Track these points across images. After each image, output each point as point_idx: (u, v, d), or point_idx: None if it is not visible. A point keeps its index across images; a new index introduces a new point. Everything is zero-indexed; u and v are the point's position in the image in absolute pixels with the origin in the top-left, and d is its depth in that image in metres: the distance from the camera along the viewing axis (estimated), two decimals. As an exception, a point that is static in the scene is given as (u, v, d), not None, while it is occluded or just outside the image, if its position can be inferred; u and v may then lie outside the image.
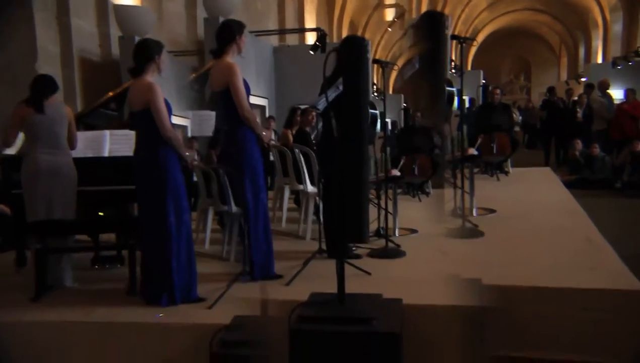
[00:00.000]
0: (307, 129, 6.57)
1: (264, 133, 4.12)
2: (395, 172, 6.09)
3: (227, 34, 4.09)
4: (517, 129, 13.79)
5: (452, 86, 6.14)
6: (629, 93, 10.63)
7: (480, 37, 37.27)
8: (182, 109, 9.10)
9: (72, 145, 4.50)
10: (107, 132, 5.06)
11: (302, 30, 16.30)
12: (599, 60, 23.01)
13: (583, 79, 15.36)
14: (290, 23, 16.49)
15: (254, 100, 9.81)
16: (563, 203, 6.42)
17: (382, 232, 5.10)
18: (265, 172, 4.44)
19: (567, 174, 9.83)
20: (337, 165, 3.28)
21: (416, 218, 5.97)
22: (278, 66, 11.38)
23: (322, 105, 4.25)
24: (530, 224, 5.42)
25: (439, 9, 27.11)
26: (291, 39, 15.68)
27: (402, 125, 10.11)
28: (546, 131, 12.66)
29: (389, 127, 10.26)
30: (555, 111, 12.18)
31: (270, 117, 9.86)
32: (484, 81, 13.19)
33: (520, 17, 34.69)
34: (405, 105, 11.72)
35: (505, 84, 40.77)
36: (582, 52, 30.13)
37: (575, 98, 12.00)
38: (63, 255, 4.32)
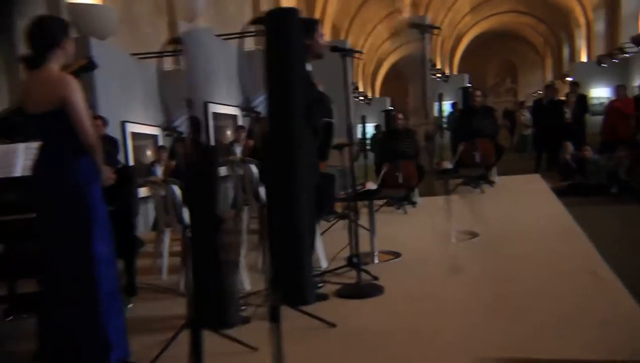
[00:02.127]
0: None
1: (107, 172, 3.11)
2: (371, 185, 5.33)
3: (47, 35, 2.93)
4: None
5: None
6: (619, 89, 9.98)
7: (465, 41, 36.88)
8: (150, 117, 8.34)
9: None
10: (20, 146, 4.12)
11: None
12: (584, 59, 22.80)
13: (569, 79, 14.79)
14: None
15: (225, 109, 9.11)
16: (555, 219, 5.66)
17: (354, 261, 4.28)
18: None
19: (558, 180, 9.10)
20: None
21: (400, 237, 5.32)
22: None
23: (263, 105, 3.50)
24: (514, 253, 4.58)
25: (421, 13, 26.63)
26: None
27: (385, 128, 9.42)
28: (537, 134, 11.85)
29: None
30: (540, 111, 11.41)
31: (240, 127, 8.95)
32: (469, 84, 12.60)
33: (504, 19, 34.42)
34: (391, 108, 10.95)
35: (492, 87, 40.40)
36: (566, 52, 29.97)
37: (563, 98, 11.28)
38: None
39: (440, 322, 3.17)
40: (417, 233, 5.76)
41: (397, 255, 4.87)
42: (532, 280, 3.79)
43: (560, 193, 7.41)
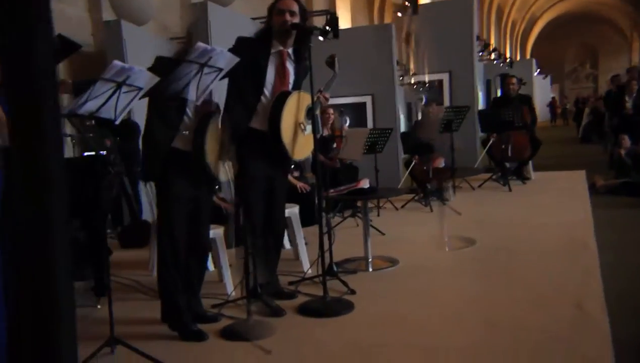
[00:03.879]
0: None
1: None
2: (365, 183, 4.86)
3: None
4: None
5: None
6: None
7: (540, 24, 34.94)
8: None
9: None
10: None
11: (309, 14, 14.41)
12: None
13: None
14: (319, 7, 14.93)
15: None
16: (572, 228, 4.89)
17: (335, 269, 3.85)
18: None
19: (612, 177, 8.20)
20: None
21: (412, 238, 4.86)
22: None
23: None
24: (503, 268, 3.97)
25: (487, -4, 25.36)
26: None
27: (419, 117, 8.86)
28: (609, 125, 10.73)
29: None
30: (609, 101, 10.38)
31: None
32: (538, 70, 11.65)
33: (584, 1, 32.25)
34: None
35: (569, 72, 38.17)
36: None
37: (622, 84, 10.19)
38: None
39: (394, 356, 2.68)
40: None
41: (394, 262, 4.30)
42: (508, 306, 3.16)
43: (612, 191, 6.61)
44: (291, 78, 3.44)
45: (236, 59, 2.91)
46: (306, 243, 4.60)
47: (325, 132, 6.58)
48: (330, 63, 3.57)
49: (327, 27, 8.12)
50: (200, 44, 2.67)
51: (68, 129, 6.68)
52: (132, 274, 4.31)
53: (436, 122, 6.42)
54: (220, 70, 2.87)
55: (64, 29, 7.40)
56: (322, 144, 6.80)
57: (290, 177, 5.27)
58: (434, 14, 9.08)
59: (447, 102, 8.72)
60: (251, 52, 3.26)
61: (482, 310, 3.14)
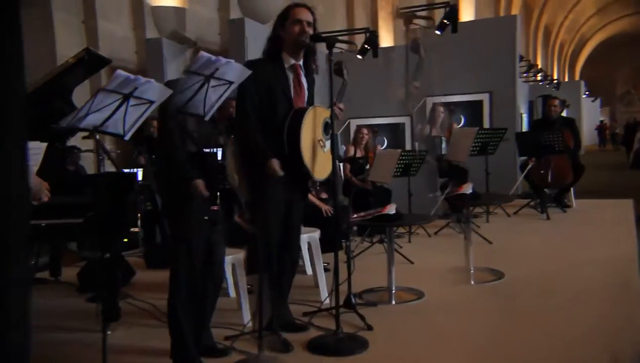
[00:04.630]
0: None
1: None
2: (391, 208, 4.55)
3: None
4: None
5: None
6: None
7: (590, 46, 34.00)
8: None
9: None
10: None
11: (349, 32, 14.03)
12: None
13: None
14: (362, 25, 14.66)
15: None
16: (613, 265, 4.45)
17: (353, 301, 3.59)
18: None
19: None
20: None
21: (441, 268, 4.59)
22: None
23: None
24: (531, 307, 3.62)
25: (534, 15, 24.79)
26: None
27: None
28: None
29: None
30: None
31: None
32: (587, 93, 11.19)
33: (638, 22, 31.22)
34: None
35: (621, 95, 36.94)
36: None
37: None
38: None
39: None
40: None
41: (419, 295, 4.01)
42: (532, 354, 2.85)
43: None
44: (306, 93, 3.23)
45: (247, 72, 2.71)
46: (327, 270, 4.39)
47: (359, 153, 6.38)
48: (338, 70, 3.31)
49: (366, 46, 7.81)
50: (204, 54, 2.47)
51: (108, 144, 6.69)
52: (151, 297, 4.09)
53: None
54: (230, 83, 2.68)
55: (105, 46, 7.50)
56: (353, 164, 6.60)
57: (314, 199, 5.07)
58: (475, 32, 8.81)
59: (486, 124, 8.42)
60: (267, 76, 3.06)
61: (502, 357, 2.85)
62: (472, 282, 4.17)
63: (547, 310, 3.51)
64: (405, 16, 7.61)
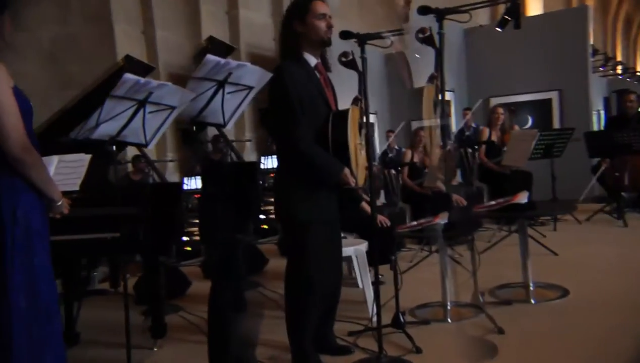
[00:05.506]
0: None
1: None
2: (522, 197, 3.72)
3: None
4: None
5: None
6: None
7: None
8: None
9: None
10: (54, 159, 3.79)
11: (488, 3, 12.86)
12: None
13: None
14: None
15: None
16: None
17: (402, 320, 3.34)
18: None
19: None
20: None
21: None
22: (470, 52, 9.27)
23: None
24: (608, 327, 3.24)
25: (613, 4, 23.45)
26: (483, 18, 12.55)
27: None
28: None
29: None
30: None
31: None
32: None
33: None
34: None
35: None
36: None
37: None
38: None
39: None
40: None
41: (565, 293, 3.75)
42: None
43: None
44: (333, 93, 2.99)
45: (268, 75, 2.54)
46: (382, 283, 4.23)
47: (494, 135, 6.12)
48: (350, 62, 3.04)
49: (506, 17, 7.47)
50: (210, 57, 2.31)
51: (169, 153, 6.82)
52: (203, 310, 4.05)
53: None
54: (250, 88, 2.52)
55: (163, 54, 7.63)
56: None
57: (368, 207, 4.87)
58: (541, 26, 8.35)
59: (556, 124, 7.96)
60: (303, 79, 2.77)
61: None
62: (533, 301, 3.80)
63: (612, 336, 3.10)
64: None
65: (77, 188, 2.81)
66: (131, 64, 3.90)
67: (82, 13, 7.22)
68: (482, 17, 11.50)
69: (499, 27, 6.77)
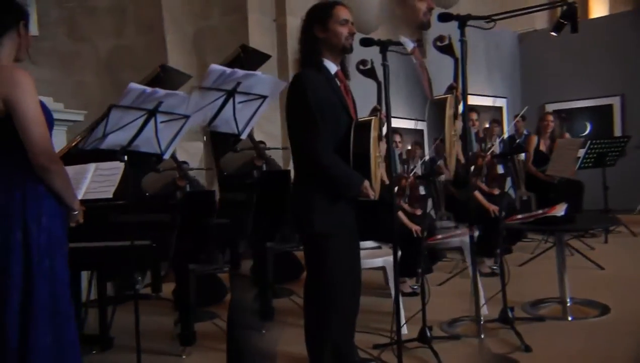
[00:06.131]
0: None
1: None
2: (560, 209, 3.59)
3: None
4: None
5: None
6: None
7: None
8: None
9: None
10: (91, 166, 3.79)
11: (545, 7, 12.18)
12: None
13: None
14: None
15: (483, 100, 7.58)
16: None
17: (428, 334, 3.23)
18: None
19: None
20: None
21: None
22: (524, 57, 9.10)
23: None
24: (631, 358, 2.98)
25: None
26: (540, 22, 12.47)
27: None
28: None
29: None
30: None
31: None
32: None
33: None
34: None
35: None
36: None
37: None
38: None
39: None
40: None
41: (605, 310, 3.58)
42: None
43: None
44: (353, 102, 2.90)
45: (282, 84, 2.49)
46: (416, 294, 4.14)
47: (543, 144, 5.93)
48: (369, 71, 2.88)
49: (562, 21, 7.27)
50: (215, 67, 2.28)
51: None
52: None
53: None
54: (263, 97, 2.48)
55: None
56: (536, 156, 6.09)
57: (404, 218, 4.75)
58: (606, 28, 7.96)
59: (618, 131, 7.54)
60: (323, 88, 2.68)
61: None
62: (570, 318, 3.58)
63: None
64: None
65: (110, 196, 2.83)
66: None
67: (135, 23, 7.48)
68: (539, 21, 11.05)
69: (554, 32, 6.50)
